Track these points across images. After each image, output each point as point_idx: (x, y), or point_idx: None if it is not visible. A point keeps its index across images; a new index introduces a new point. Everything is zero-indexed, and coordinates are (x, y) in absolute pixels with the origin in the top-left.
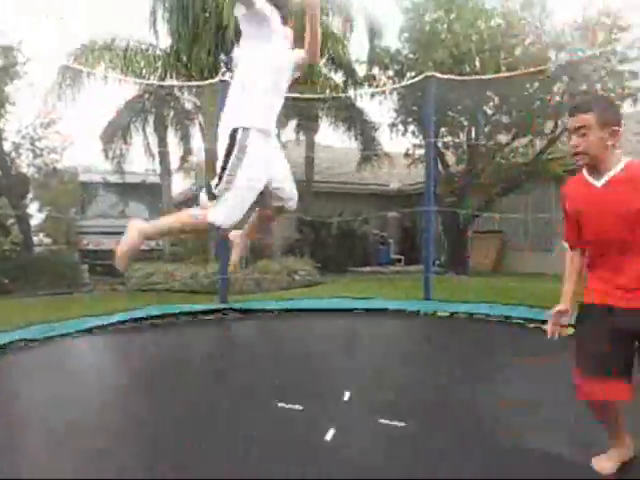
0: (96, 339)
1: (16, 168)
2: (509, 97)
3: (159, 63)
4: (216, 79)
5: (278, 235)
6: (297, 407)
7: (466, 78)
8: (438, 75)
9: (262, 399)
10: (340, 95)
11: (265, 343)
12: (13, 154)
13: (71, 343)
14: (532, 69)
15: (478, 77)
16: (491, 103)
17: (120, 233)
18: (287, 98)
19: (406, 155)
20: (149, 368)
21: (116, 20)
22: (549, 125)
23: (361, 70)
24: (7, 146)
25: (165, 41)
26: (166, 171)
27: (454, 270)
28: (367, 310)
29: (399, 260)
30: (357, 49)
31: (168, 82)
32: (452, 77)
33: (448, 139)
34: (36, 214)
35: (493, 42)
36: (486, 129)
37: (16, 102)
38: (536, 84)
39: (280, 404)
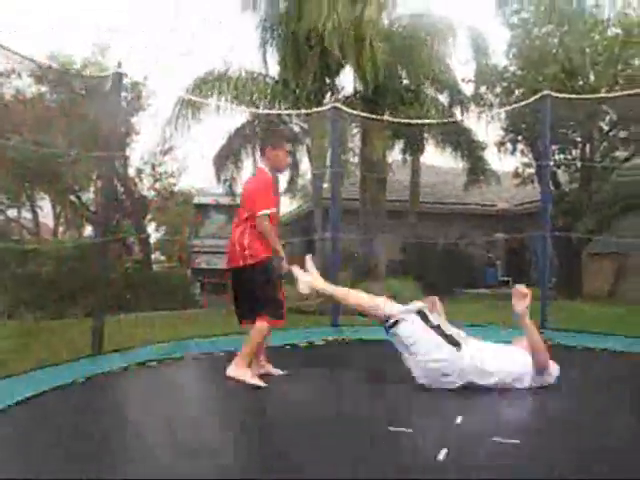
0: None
1: (139, 192)
2: (627, 110)
3: (268, 90)
4: (327, 106)
5: (383, 257)
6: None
7: (583, 97)
8: (554, 94)
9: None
10: (450, 120)
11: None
12: (136, 179)
13: (197, 363)
14: None
15: (596, 95)
16: (607, 118)
17: None
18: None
19: (516, 175)
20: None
21: (229, 52)
22: None
23: (467, 89)
24: (132, 172)
25: (274, 69)
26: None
27: (566, 294)
28: None
29: (507, 282)
30: (462, 68)
31: (278, 109)
32: (569, 96)
33: (560, 157)
34: (153, 233)
35: (609, 53)
36: (602, 146)
37: (140, 131)
38: None
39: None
